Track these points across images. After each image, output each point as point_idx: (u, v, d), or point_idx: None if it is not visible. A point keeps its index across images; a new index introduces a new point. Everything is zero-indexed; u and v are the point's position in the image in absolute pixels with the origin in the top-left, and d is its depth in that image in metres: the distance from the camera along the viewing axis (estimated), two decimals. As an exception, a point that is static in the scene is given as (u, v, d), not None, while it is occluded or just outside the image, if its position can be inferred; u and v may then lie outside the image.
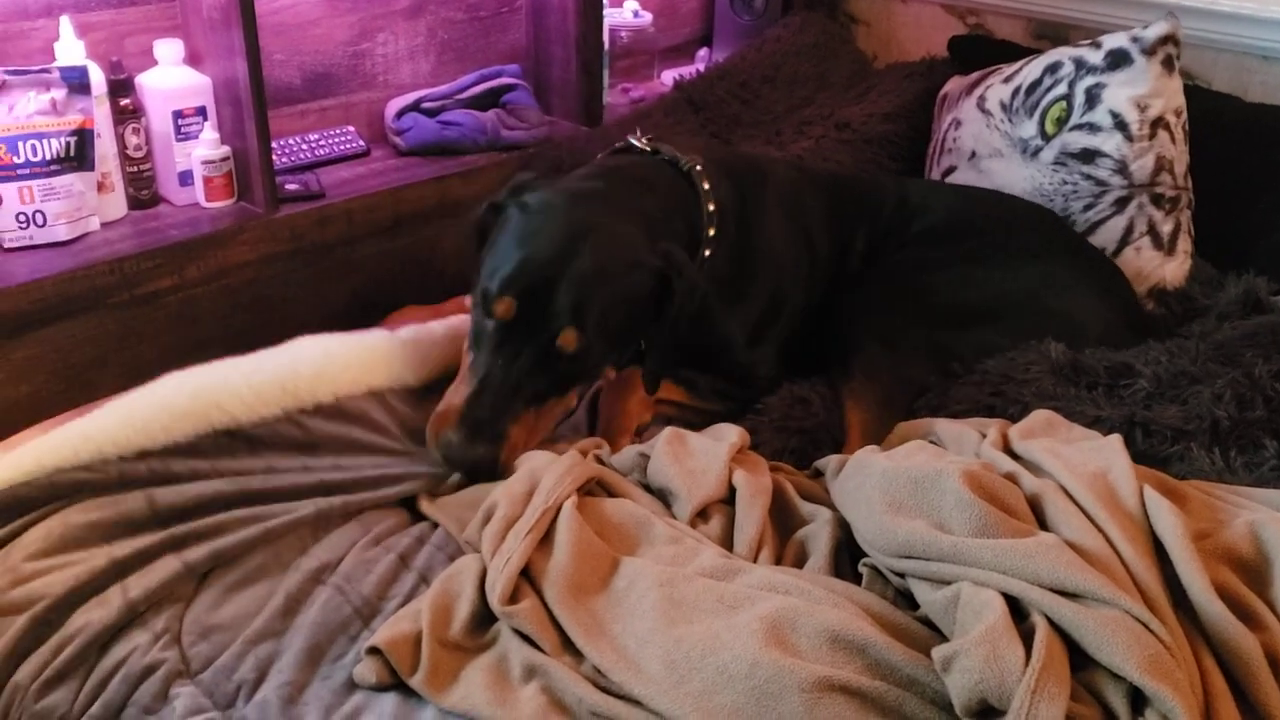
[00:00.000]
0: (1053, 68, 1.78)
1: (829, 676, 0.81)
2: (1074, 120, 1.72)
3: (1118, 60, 1.70)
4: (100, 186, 1.58)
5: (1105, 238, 1.70)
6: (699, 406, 1.42)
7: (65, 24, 1.53)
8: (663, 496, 1.12)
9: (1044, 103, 1.77)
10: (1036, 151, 1.77)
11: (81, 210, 1.54)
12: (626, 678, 0.86)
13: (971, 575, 0.87)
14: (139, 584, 1.00)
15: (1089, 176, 1.71)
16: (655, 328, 1.28)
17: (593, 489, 1.11)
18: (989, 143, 1.85)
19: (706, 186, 1.40)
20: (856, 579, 0.99)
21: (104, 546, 1.02)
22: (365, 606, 1.01)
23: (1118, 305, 1.53)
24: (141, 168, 1.64)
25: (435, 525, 1.13)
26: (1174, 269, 1.68)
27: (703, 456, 1.14)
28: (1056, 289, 1.49)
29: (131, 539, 1.03)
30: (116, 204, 1.62)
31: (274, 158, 1.68)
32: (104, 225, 1.59)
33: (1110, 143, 1.68)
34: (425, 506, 1.16)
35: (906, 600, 0.94)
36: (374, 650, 0.93)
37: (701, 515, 1.08)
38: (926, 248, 1.58)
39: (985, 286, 1.49)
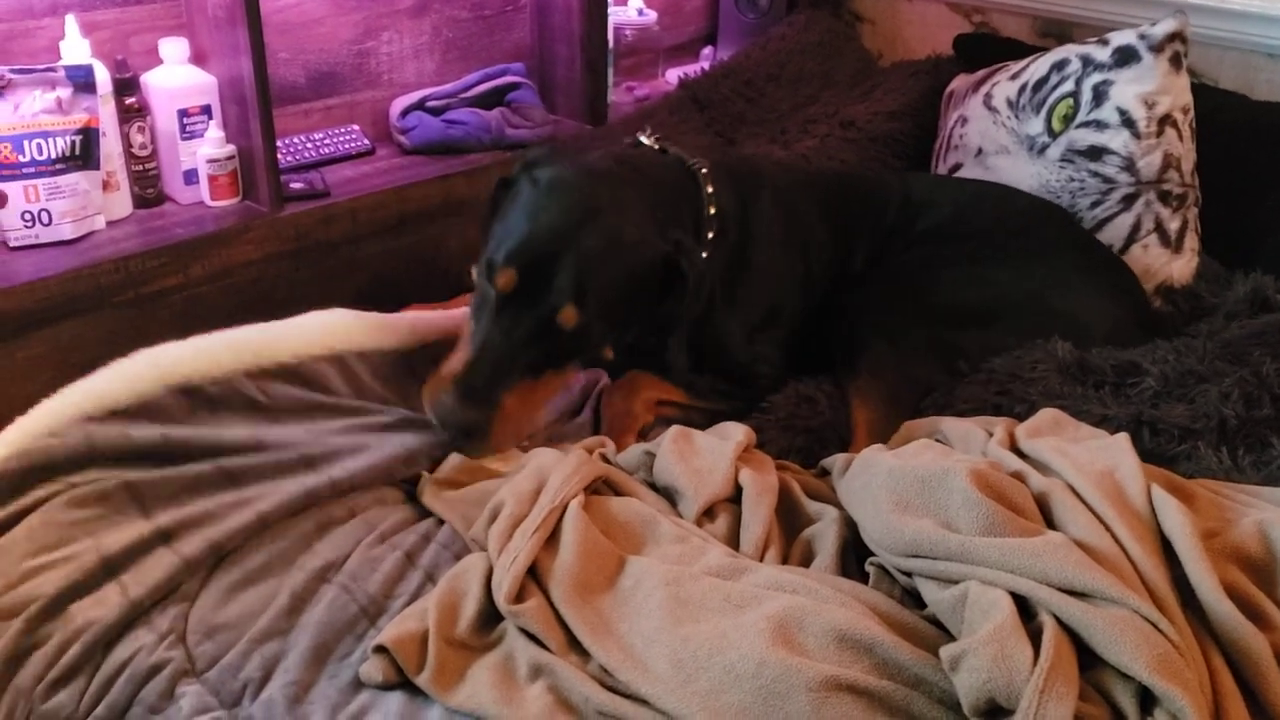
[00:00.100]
0: (1060, 65, 1.78)
1: (836, 676, 0.81)
2: (1081, 117, 1.72)
3: (1125, 57, 1.69)
4: (105, 185, 1.58)
5: (1112, 235, 1.69)
6: (700, 406, 1.42)
7: (70, 23, 1.53)
8: (669, 495, 1.12)
9: (1051, 100, 1.77)
10: (1043, 148, 1.77)
11: (86, 209, 1.54)
12: (633, 677, 0.86)
13: (979, 574, 0.87)
14: (137, 581, 0.99)
15: (1096, 173, 1.70)
16: (666, 315, 1.28)
17: (599, 487, 1.11)
18: (995, 139, 1.85)
19: (710, 190, 1.40)
20: (863, 578, 0.98)
21: (89, 541, 1.01)
22: (371, 605, 1.01)
23: (1126, 303, 1.53)
24: (146, 166, 1.64)
25: (441, 522, 1.13)
26: (1181, 266, 1.68)
27: (709, 455, 1.14)
28: (1064, 288, 1.49)
29: (117, 532, 1.02)
30: (121, 203, 1.62)
31: (279, 156, 1.68)
32: (109, 224, 1.59)
33: (1117, 140, 1.68)
34: (429, 500, 1.16)
35: (914, 599, 0.94)
36: (380, 649, 0.93)
37: (708, 514, 1.08)
38: (933, 246, 1.57)
39: (992, 285, 1.49)
